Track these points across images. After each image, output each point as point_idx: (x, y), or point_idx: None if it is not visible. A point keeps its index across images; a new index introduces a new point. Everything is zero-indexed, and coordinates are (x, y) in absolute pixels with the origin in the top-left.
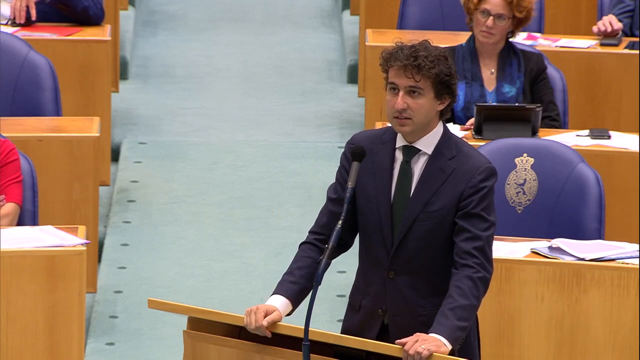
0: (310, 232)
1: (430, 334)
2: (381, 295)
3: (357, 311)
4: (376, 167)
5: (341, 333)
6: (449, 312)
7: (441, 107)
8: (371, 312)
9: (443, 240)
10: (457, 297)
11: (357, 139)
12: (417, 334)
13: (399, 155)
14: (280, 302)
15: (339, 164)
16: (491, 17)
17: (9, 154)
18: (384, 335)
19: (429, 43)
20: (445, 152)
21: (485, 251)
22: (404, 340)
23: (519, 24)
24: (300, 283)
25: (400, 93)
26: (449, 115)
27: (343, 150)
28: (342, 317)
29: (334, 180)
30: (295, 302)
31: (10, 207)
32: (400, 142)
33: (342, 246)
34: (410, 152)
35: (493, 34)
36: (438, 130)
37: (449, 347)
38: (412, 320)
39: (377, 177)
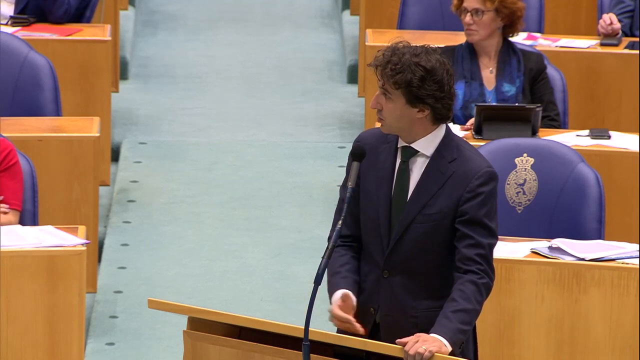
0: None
1: (431, 334)
2: (374, 294)
3: None
4: (379, 166)
5: (336, 328)
6: (451, 314)
7: (420, 115)
8: (364, 310)
9: (439, 244)
10: (460, 300)
11: (364, 137)
12: (418, 334)
13: (399, 156)
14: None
15: (339, 164)
16: (469, 14)
17: (8, 155)
18: (375, 333)
19: (420, 50)
20: (446, 155)
21: (488, 259)
22: (404, 340)
23: (508, 19)
24: (351, 277)
25: (377, 93)
26: (447, 120)
27: (344, 149)
28: None
29: (344, 180)
30: (355, 292)
31: (11, 216)
32: (400, 142)
33: (359, 241)
34: (408, 152)
35: (474, 29)
36: (439, 132)
37: (450, 348)
38: (404, 320)
39: (379, 176)
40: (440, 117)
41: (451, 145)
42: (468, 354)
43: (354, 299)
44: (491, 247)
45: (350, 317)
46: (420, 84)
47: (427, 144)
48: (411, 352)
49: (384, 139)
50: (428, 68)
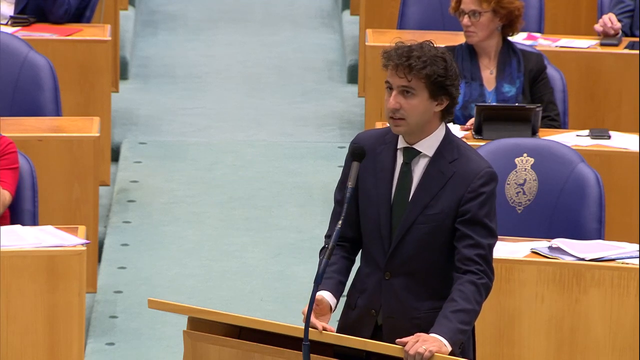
0: (326, 237)
1: (431, 334)
2: (376, 296)
3: (352, 309)
4: (378, 168)
5: (336, 332)
6: (451, 314)
7: (439, 109)
8: (365, 312)
9: (441, 244)
10: (460, 300)
11: (361, 138)
12: (418, 334)
13: (400, 157)
14: (327, 296)
15: (339, 164)
16: (466, 16)
17: (7, 147)
18: (378, 336)
19: (429, 44)
20: (447, 155)
21: (488, 259)
22: (404, 339)
23: (506, 19)
24: (335, 277)
25: (394, 93)
26: (452, 117)
27: (344, 149)
28: None
29: (339, 182)
30: (336, 293)
31: (6, 195)
32: (401, 143)
33: (357, 243)
34: (410, 154)
35: (473, 31)
36: (440, 132)
37: (449, 348)
38: (406, 322)
39: (378, 178)
40: (452, 107)
41: (452, 146)
42: (468, 354)
43: (330, 301)
44: (491, 247)
45: (318, 324)
46: (445, 74)
47: (429, 145)
48: (411, 352)
49: (381, 140)
50: (446, 59)
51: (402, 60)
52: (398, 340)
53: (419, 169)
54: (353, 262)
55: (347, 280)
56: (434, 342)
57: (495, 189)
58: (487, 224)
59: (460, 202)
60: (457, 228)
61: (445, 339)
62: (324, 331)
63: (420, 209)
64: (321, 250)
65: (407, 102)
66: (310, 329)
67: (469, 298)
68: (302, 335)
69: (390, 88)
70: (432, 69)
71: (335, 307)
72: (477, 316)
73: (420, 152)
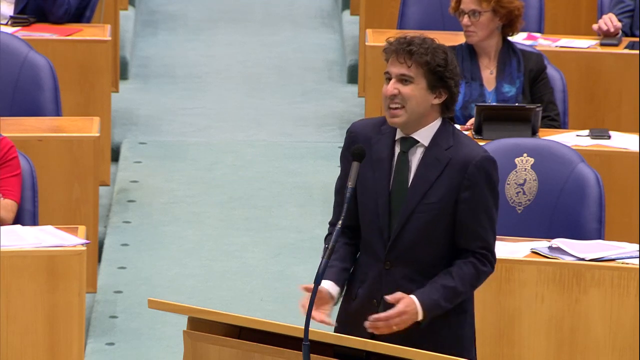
0: (330, 224)
1: (412, 296)
2: (377, 286)
3: (352, 300)
4: (375, 158)
5: (336, 322)
6: (441, 287)
7: (437, 102)
8: (366, 302)
9: (441, 233)
10: (456, 278)
11: (356, 126)
12: (401, 310)
13: (398, 147)
14: (327, 285)
15: (339, 164)
16: (466, 15)
17: (8, 152)
18: None
19: (431, 39)
20: (442, 143)
21: (491, 248)
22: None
23: (506, 18)
24: (337, 265)
25: (392, 80)
26: (453, 114)
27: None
28: None
29: (338, 176)
30: (338, 281)
31: (8, 205)
32: (398, 134)
33: (359, 230)
34: (408, 143)
35: (473, 31)
36: (436, 123)
37: (420, 318)
38: None
39: (375, 169)
40: (452, 104)
41: (447, 133)
42: (468, 354)
43: (330, 290)
44: (493, 232)
45: (317, 316)
46: (445, 65)
47: (426, 135)
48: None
49: (377, 129)
50: (447, 52)
51: (404, 46)
52: (377, 316)
53: (415, 158)
54: (357, 246)
55: (352, 266)
56: (407, 321)
57: (494, 175)
58: (486, 210)
59: (458, 189)
60: (457, 215)
61: (423, 307)
62: (323, 331)
63: (420, 197)
64: (326, 237)
65: (404, 88)
66: (310, 329)
67: (464, 280)
68: (302, 335)
69: (389, 78)
70: (432, 57)
71: (340, 294)
72: (462, 299)
73: (418, 142)
